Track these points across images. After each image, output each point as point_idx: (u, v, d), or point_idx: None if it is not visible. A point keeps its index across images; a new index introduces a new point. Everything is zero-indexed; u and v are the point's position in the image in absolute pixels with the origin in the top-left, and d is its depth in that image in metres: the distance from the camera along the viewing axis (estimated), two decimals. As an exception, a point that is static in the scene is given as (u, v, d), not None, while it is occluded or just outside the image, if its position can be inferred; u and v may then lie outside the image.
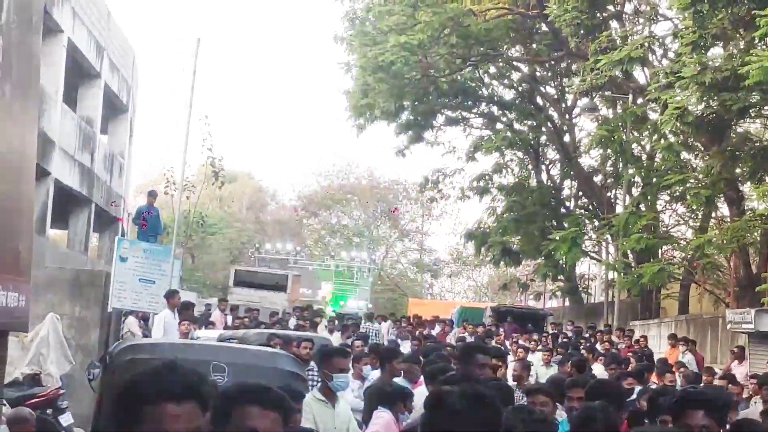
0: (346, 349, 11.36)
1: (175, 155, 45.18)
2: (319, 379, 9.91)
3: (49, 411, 14.87)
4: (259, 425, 3.57)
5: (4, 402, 10.98)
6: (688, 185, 31.01)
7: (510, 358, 18.27)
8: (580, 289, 49.15)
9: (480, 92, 46.00)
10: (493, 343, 23.71)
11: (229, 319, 28.02)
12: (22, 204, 10.19)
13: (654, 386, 14.01)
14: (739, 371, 20.62)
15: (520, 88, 46.51)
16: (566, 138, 44.64)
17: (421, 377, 10.56)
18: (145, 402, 3.19)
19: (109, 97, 35.12)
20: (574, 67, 41.03)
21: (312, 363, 13.39)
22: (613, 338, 27.28)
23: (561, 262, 39.72)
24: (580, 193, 45.16)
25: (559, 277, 45.95)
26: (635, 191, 36.77)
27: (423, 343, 20.17)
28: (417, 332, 26.26)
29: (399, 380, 10.71)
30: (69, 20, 29.05)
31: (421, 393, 9.34)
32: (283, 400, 3.62)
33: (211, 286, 65.33)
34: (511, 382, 12.10)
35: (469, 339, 24.38)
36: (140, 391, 3.23)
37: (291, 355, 11.02)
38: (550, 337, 27.98)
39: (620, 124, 35.19)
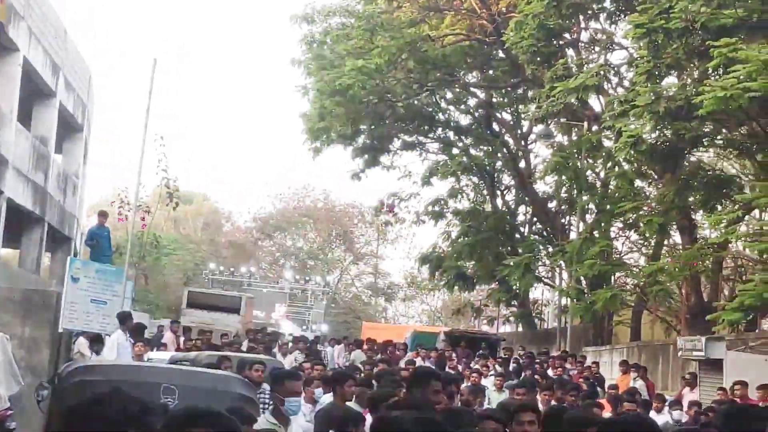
0: (299, 372, 11.34)
1: (130, 176, 44.97)
2: (271, 403, 9.87)
3: (-3, 432, 14.72)
4: None
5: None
6: (641, 213, 31.30)
7: (464, 384, 18.30)
8: (534, 314, 49.36)
9: (437, 117, 46.19)
10: (447, 368, 23.70)
11: (182, 341, 27.87)
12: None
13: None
14: (691, 398, 20.75)
15: (476, 114, 46.77)
16: (522, 164, 44.92)
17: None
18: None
19: (64, 116, 34.88)
20: (530, 93, 41.36)
21: (264, 386, 13.34)
22: (566, 365, 27.36)
23: (515, 287, 39.89)
24: (535, 219, 45.42)
25: (512, 303, 46.16)
26: (589, 218, 37.02)
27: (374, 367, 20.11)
28: (374, 357, 26.17)
29: (351, 404, 10.69)
30: (25, 39, 28.86)
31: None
32: (232, 424, 3.60)
33: (163, 308, 64.91)
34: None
35: (422, 363, 24.33)
36: (83, 419, 3.25)
37: (242, 377, 10.98)
38: (502, 361, 28.03)
39: (575, 151, 35.46)
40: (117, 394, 3.33)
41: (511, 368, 26.35)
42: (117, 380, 8.79)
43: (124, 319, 19.23)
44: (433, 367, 19.71)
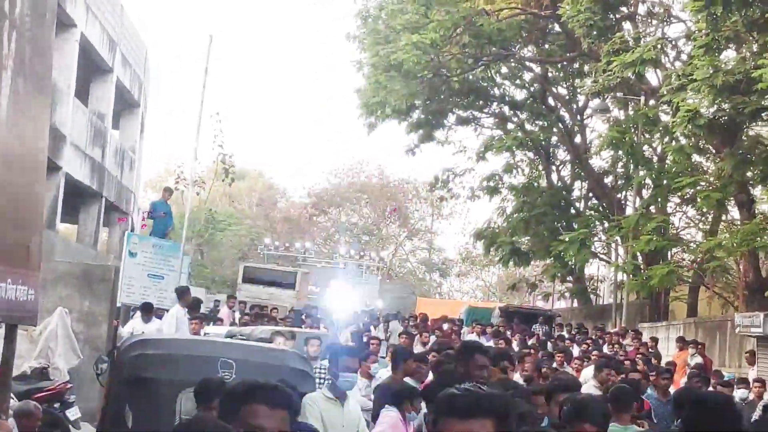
0: (355, 349, 11.37)
1: (186, 151, 45.28)
2: (327, 378, 9.91)
3: (56, 405, 14.91)
4: (266, 424, 3.56)
5: (12, 395, 10.99)
6: (698, 188, 30.99)
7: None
8: (589, 290, 49.10)
9: (491, 92, 45.98)
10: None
11: (237, 316, 28.04)
12: (34, 199, 10.20)
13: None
14: (751, 375, 20.58)
15: (531, 89, 46.50)
16: (577, 139, 44.60)
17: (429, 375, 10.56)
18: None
19: (121, 92, 35.13)
20: (586, 68, 40.99)
21: (319, 361, 13.41)
22: (624, 341, 27.19)
23: (570, 263, 39.69)
24: (591, 194, 45.07)
25: (568, 278, 45.92)
26: (646, 193, 36.69)
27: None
28: (431, 330, 26.18)
29: (407, 380, 10.71)
30: (82, 15, 29.07)
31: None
32: (291, 399, 3.62)
33: (219, 283, 65.36)
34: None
35: (476, 339, 24.31)
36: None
37: (298, 352, 11.02)
38: (557, 338, 27.93)
39: (631, 125, 35.13)
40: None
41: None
42: (175, 354, 8.87)
43: (182, 293, 19.40)
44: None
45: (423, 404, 9.07)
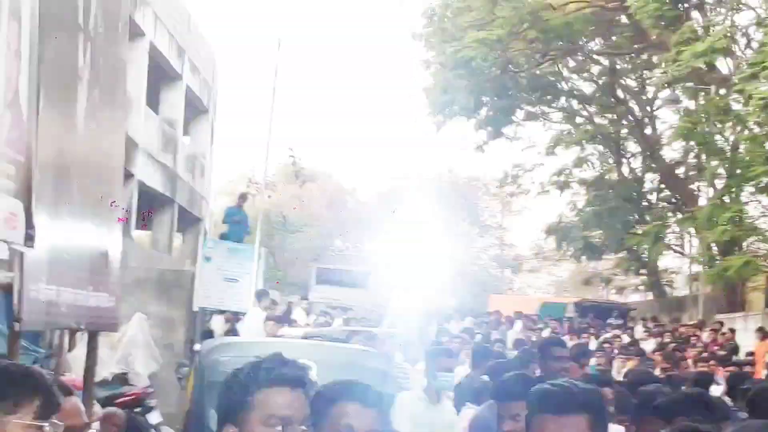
0: (451, 348, 11.37)
1: (257, 156, 45.54)
2: (406, 377, 9.90)
3: (137, 409, 15.10)
4: (356, 423, 3.58)
5: (95, 401, 11.15)
6: (773, 176, 30.59)
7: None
8: (663, 282, 48.66)
9: (559, 86, 45.75)
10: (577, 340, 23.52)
11: (312, 317, 28.16)
12: (111, 207, 10.35)
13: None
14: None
15: (600, 82, 46.19)
16: (648, 131, 44.22)
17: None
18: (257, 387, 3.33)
19: (190, 98, 35.42)
20: (655, 59, 40.65)
21: (396, 359, 13.44)
22: (701, 333, 26.91)
23: (643, 256, 39.38)
24: (663, 186, 44.68)
25: (641, 271, 45.57)
26: (719, 183, 36.29)
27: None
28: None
29: (485, 378, 10.69)
30: (151, 24, 29.38)
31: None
32: (381, 398, 3.65)
33: (291, 285, 65.67)
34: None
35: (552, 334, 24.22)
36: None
37: (378, 352, 11.07)
38: (633, 331, 27.76)
39: (703, 115, 34.77)
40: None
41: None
42: (255, 357, 8.94)
43: (261, 296, 19.60)
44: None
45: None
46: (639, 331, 28.28)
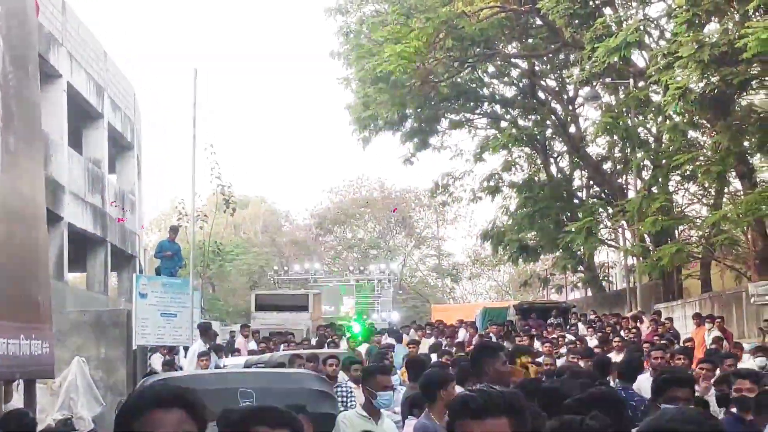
0: (389, 366, 11.38)
1: (185, 187, 45.33)
2: (351, 397, 9.90)
3: (84, 454, 14.95)
4: None
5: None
6: (698, 163, 31.02)
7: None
8: (601, 277, 49.09)
9: (481, 92, 45.98)
10: (518, 341, 23.59)
11: (252, 344, 28.01)
12: (38, 252, 10.25)
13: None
14: (769, 343, 20.58)
15: (520, 84, 46.55)
16: (572, 129, 44.60)
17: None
18: (138, 413, 3.31)
19: (114, 136, 35.25)
20: (572, 57, 41.09)
21: (340, 379, 13.42)
22: (640, 325, 27.12)
23: (579, 253, 39.70)
24: (591, 182, 45.09)
25: (578, 268, 45.92)
26: (646, 174, 36.70)
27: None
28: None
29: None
30: (66, 64, 29.19)
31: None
32: (291, 418, 3.65)
33: (233, 313, 65.40)
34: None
35: (495, 339, 24.29)
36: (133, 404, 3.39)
37: (317, 374, 11.05)
38: (576, 328, 27.90)
39: (624, 109, 35.20)
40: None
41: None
42: (196, 390, 8.89)
43: (204, 330, 19.50)
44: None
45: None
46: (581, 328, 28.41)
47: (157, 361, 20.39)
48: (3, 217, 8.94)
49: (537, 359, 14.06)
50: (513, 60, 45.50)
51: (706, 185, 34.08)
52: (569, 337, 25.38)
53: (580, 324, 29.55)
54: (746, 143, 30.31)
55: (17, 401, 12.39)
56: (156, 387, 3.47)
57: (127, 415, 3.35)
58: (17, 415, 9.08)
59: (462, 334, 28.80)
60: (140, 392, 3.51)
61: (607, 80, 37.04)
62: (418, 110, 43.12)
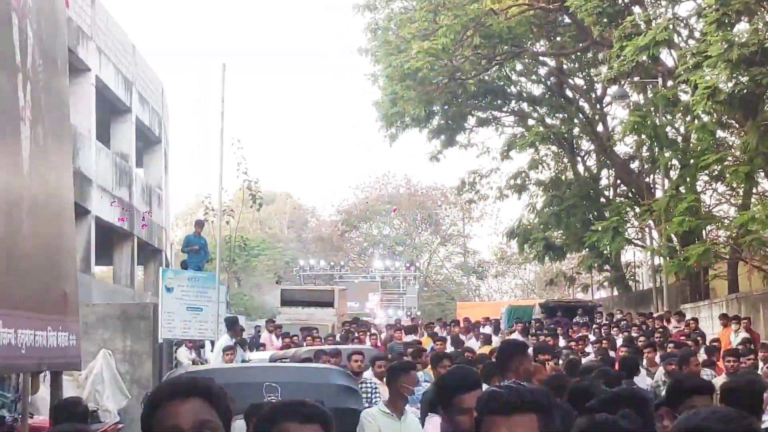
0: (412, 363, 11.38)
1: (212, 182, 45.52)
2: (376, 392, 9.89)
3: (109, 446, 15.02)
4: None
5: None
6: (726, 163, 30.82)
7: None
8: (627, 277, 48.94)
9: (509, 90, 45.88)
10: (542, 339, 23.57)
11: (279, 339, 28.09)
12: (65, 245, 10.30)
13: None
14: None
15: (548, 83, 46.42)
16: (599, 128, 44.48)
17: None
18: (158, 404, 3.36)
19: (142, 130, 35.38)
20: (600, 56, 40.94)
21: (364, 375, 13.44)
22: (666, 324, 27.04)
23: (605, 252, 39.57)
24: (619, 182, 44.94)
25: (605, 267, 45.78)
26: (674, 174, 36.55)
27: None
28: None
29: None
30: (95, 58, 29.32)
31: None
32: (320, 412, 3.62)
33: (258, 308, 65.56)
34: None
35: (518, 338, 24.28)
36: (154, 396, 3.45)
37: (342, 369, 11.06)
38: (602, 328, 27.83)
39: (652, 108, 35.03)
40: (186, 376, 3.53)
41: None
42: (220, 384, 8.92)
43: (231, 324, 19.57)
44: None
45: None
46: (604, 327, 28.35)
47: (183, 354, 20.46)
48: (31, 210, 9.00)
49: (557, 357, 14.06)
50: (541, 58, 45.39)
51: (734, 185, 33.87)
52: (592, 336, 25.35)
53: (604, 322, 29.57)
54: (775, 143, 30.12)
55: (44, 393, 12.47)
56: (174, 378, 3.51)
57: (149, 407, 3.39)
58: (71, 403, 9.17)
59: (487, 332, 28.78)
60: (160, 384, 3.56)
61: (636, 79, 36.89)
62: (445, 107, 43.05)
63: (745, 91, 28.11)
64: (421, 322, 36.24)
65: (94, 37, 29.37)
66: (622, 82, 37.68)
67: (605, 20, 33.44)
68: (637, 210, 40.37)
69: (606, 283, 50.50)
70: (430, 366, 13.10)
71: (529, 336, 24.97)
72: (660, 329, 25.40)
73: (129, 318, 19.28)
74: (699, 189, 36.35)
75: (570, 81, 45.71)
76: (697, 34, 33.63)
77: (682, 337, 22.08)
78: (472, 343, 24.26)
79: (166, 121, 40.01)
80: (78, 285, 10.99)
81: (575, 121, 44.89)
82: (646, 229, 42.28)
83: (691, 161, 33.13)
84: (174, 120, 43.04)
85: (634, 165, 43.38)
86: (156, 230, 37.49)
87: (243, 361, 18.82)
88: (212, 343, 20.44)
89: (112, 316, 19.16)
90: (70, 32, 23.82)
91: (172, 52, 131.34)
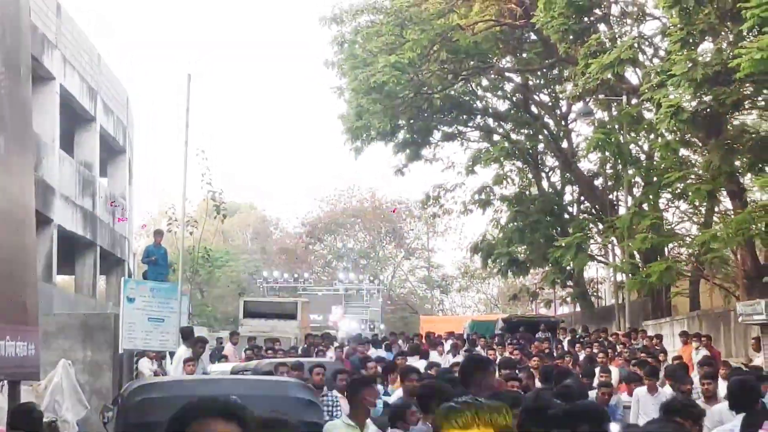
0: (374, 378, 11.39)
1: (176, 192, 45.37)
2: (337, 406, 9.87)
3: (68, 457, 14.90)
4: None
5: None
6: (688, 181, 31.04)
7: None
8: (590, 293, 49.12)
9: (474, 105, 46.04)
10: (506, 354, 23.61)
11: (242, 351, 27.97)
12: (25, 254, 10.23)
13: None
14: (757, 362, 20.62)
15: (513, 99, 46.59)
16: (564, 144, 44.67)
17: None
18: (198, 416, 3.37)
19: (106, 139, 35.22)
20: (565, 73, 41.14)
21: (325, 389, 13.42)
22: (632, 341, 27.18)
23: (568, 268, 39.72)
24: (582, 198, 45.15)
25: (567, 283, 45.94)
26: (637, 191, 36.78)
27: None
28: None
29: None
30: (60, 67, 29.16)
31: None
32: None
33: (221, 320, 65.36)
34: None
35: (481, 352, 24.31)
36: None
37: (302, 382, 11.04)
38: (564, 343, 27.93)
39: (616, 126, 35.23)
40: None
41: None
42: (177, 396, 8.88)
43: (187, 334, 19.45)
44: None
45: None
46: (567, 343, 28.46)
47: (145, 365, 20.33)
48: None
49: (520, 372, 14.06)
50: (507, 74, 45.56)
51: (697, 204, 34.12)
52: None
53: (566, 339, 29.64)
54: (737, 163, 30.36)
55: (2, 402, 12.36)
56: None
57: (176, 423, 3.39)
58: (26, 409, 9.11)
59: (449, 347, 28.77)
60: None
61: (600, 96, 37.09)
62: (411, 121, 43.14)
63: (708, 110, 28.35)
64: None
65: (59, 46, 29.23)
66: (587, 100, 37.90)
67: (571, 38, 33.58)
68: (600, 226, 40.57)
69: (569, 299, 50.68)
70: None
71: (494, 349, 25.03)
72: (621, 345, 25.53)
73: (90, 328, 19.17)
74: (662, 207, 36.59)
75: (535, 97, 45.92)
76: (662, 53, 33.87)
77: (643, 355, 22.14)
78: (434, 356, 24.25)
79: (131, 131, 39.85)
80: (38, 294, 10.92)
81: (540, 137, 45.05)
82: (609, 246, 42.48)
83: (654, 179, 33.35)
84: (139, 129, 42.87)
85: (598, 182, 43.61)
86: (119, 240, 37.32)
87: (204, 373, 18.74)
88: (172, 355, 20.35)
89: (73, 326, 19.04)
90: (35, 41, 23.71)
91: (137, 60, 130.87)
